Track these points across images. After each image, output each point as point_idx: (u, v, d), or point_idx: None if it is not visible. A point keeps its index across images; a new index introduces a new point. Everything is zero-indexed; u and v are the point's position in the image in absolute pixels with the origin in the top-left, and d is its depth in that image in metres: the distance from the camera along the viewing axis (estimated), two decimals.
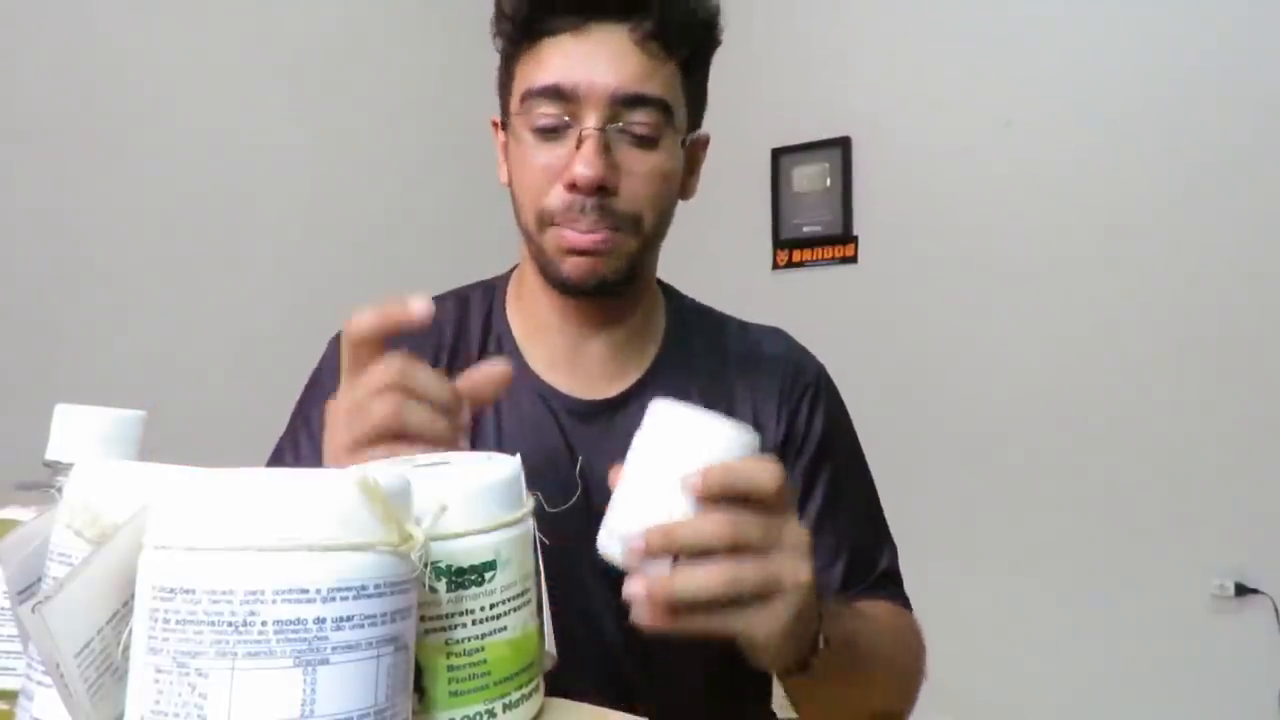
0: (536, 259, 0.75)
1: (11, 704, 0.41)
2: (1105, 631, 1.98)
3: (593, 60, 0.70)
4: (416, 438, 0.52)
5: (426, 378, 0.54)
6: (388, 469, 0.40)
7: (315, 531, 0.32)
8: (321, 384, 0.80)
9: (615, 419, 0.75)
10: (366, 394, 0.53)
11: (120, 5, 1.67)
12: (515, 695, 0.42)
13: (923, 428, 2.22)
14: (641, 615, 0.47)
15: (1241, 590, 1.84)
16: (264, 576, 0.31)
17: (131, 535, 0.34)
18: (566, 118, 0.70)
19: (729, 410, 0.76)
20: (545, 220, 0.72)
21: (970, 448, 2.17)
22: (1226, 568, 1.86)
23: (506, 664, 0.42)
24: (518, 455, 0.47)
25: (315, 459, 0.63)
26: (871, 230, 2.35)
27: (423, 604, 0.39)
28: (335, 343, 0.84)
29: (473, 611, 0.41)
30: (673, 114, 0.72)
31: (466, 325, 0.81)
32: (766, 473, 0.49)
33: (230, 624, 0.31)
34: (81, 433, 0.49)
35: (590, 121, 0.69)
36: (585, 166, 0.68)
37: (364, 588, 0.33)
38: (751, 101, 2.33)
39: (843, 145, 2.38)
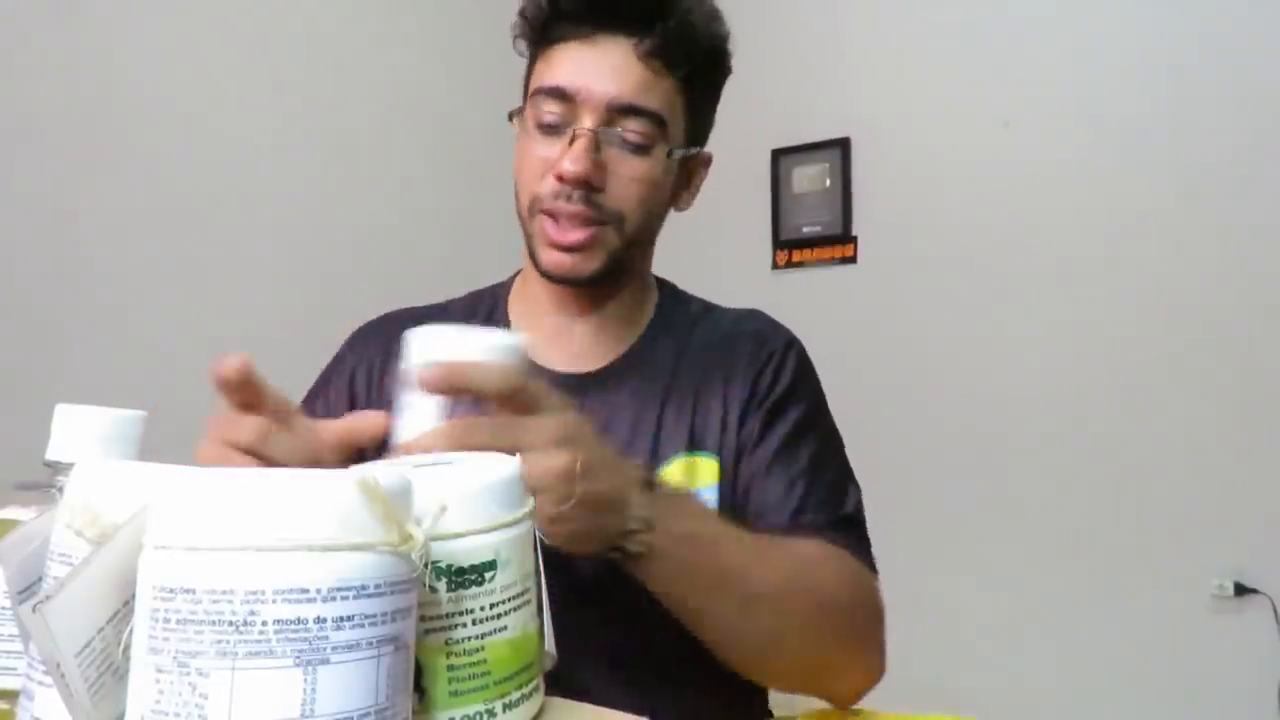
0: (527, 244, 0.82)
1: (12, 704, 0.42)
2: (1105, 631, 1.98)
3: (596, 69, 0.76)
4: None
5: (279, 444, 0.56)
6: (388, 469, 0.40)
7: (315, 531, 0.32)
8: (325, 378, 0.88)
9: (590, 391, 0.81)
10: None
11: (120, 5, 1.67)
12: (515, 695, 0.42)
13: (922, 428, 2.22)
14: None
15: (1241, 590, 1.84)
16: (264, 576, 0.31)
17: (132, 535, 0.34)
18: (566, 117, 0.76)
19: (697, 389, 0.81)
20: (535, 207, 0.78)
21: (970, 447, 2.17)
22: (1226, 568, 1.86)
23: (506, 664, 0.42)
24: (517, 456, 0.47)
25: None
26: (871, 230, 2.35)
27: (423, 604, 0.39)
28: (347, 342, 0.90)
29: (473, 611, 0.41)
30: (666, 127, 0.78)
31: (466, 320, 0.88)
32: (491, 371, 0.52)
33: (231, 624, 0.31)
34: (81, 433, 0.49)
35: (585, 123, 0.75)
36: (572, 162, 0.74)
37: (364, 588, 0.33)
38: (751, 101, 2.32)
39: (843, 145, 2.38)
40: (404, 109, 2.21)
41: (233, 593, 0.31)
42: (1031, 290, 2.12)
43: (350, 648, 0.32)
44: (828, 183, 2.40)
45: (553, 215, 0.77)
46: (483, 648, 0.41)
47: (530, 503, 0.46)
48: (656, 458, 0.79)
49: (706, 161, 0.87)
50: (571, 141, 0.75)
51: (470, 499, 0.42)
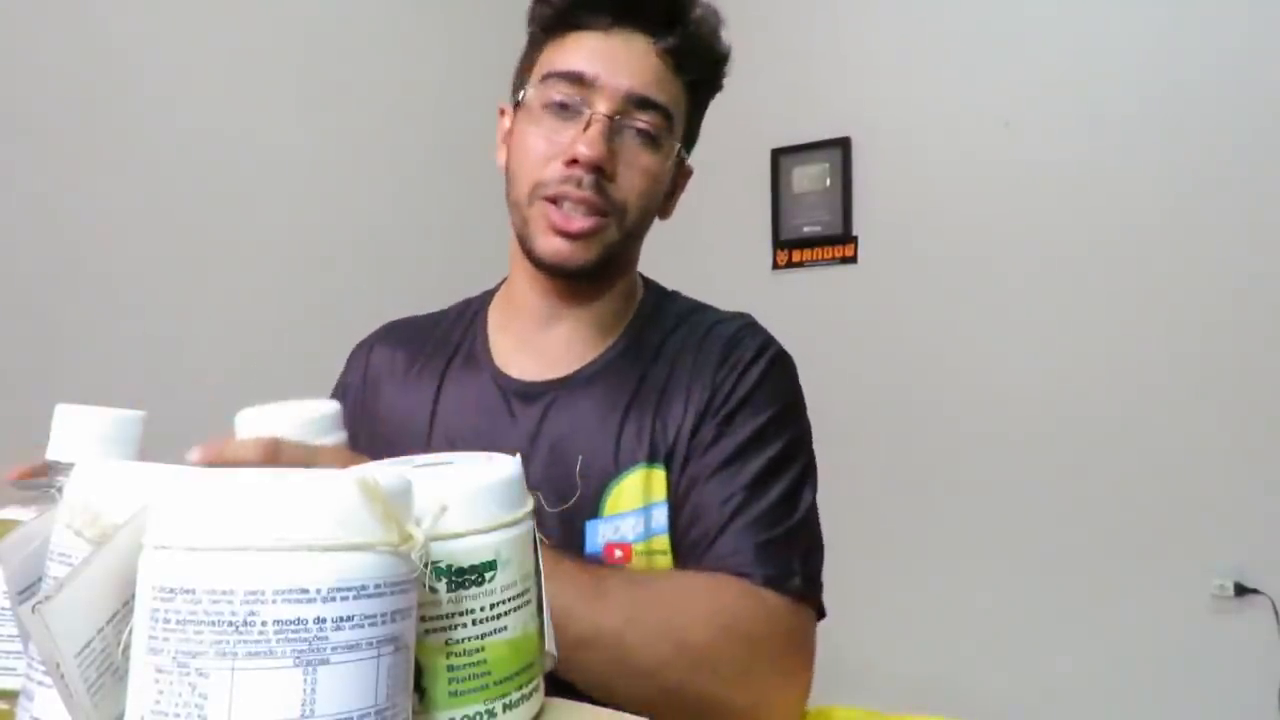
0: (519, 232, 0.80)
1: (12, 704, 0.41)
2: (1105, 631, 1.98)
3: (614, 58, 0.76)
4: None
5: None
6: (388, 469, 0.40)
7: (315, 531, 0.32)
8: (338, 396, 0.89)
9: (558, 398, 0.80)
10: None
11: (121, 5, 1.67)
12: (515, 695, 0.42)
13: (922, 427, 2.22)
14: None
15: (1241, 590, 1.84)
16: (264, 576, 0.31)
17: (131, 535, 0.34)
18: (580, 100, 0.76)
19: (663, 392, 0.78)
20: (537, 193, 0.77)
21: (970, 447, 2.16)
22: (1226, 568, 1.86)
23: (506, 664, 0.42)
24: (517, 455, 0.47)
25: None
26: (871, 230, 2.35)
27: (423, 604, 0.39)
28: (350, 358, 0.92)
29: (473, 611, 0.41)
30: (674, 124, 0.79)
31: (452, 329, 0.90)
32: (244, 447, 0.53)
33: (230, 624, 0.31)
34: (81, 433, 0.49)
35: (601, 109, 0.75)
36: (587, 146, 0.74)
37: (364, 588, 0.33)
38: (751, 101, 2.33)
39: (843, 145, 2.38)
40: (404, 109, 2.21)
41: (232, 593, 0.31)
42: (1032, 290, 2.12)
43: (350, 648, 0.32)
44: (828, 183, 2.40)
45: (557, 201, 0.76)
46: (483, 648, 0.41)
47: (530, 503, 0.46)
48: (617, 467, 0.76)
49: (688, 173, 0.88)
50: (586, 127, 0.74)
51: (470, 499, 0.42)
